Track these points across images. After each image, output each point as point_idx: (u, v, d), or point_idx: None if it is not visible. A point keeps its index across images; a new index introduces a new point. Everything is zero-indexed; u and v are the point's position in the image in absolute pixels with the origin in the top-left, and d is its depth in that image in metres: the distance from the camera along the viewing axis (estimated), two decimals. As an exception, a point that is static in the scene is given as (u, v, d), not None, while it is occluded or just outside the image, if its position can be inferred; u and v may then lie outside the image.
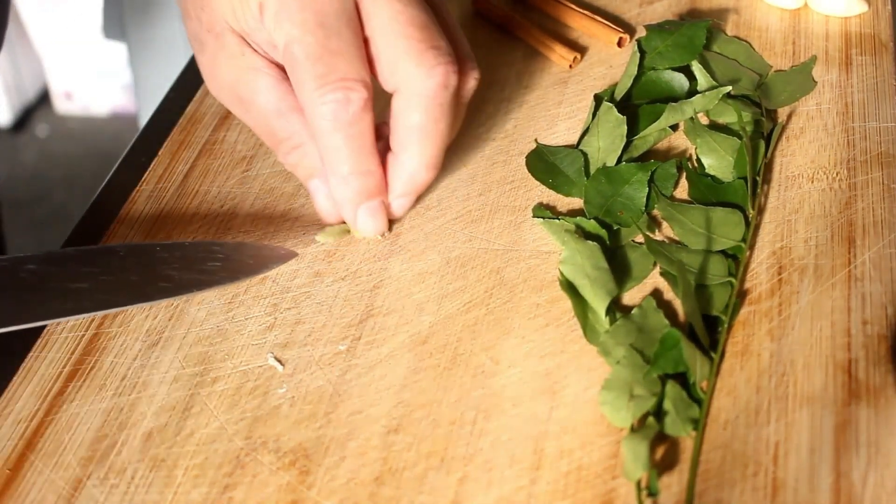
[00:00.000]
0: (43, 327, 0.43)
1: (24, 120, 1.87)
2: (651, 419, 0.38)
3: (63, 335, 0.43)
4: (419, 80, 0.42)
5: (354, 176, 0.43)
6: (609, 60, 0.55)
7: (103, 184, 0.51)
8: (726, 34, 0.55)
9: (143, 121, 0.68)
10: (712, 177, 0.47)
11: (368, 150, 0.43)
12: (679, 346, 0.39)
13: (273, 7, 0.41)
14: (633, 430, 0.37)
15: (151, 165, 0.51)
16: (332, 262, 0.45)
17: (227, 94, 0.45)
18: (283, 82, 0.44)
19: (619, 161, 0.48)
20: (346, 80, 0.41)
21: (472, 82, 0.45)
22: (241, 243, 0.45)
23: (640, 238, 0.45)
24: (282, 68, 0.44)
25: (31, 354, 0.42)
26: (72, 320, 0.43)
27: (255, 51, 0.44)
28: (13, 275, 0.39)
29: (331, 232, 0.46)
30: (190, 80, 0.56)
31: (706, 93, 0.49)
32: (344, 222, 0.46)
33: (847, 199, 0.46)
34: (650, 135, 0.49)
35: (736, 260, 0.43)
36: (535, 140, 0.50)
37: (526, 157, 0.49)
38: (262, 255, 0.44)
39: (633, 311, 0.41)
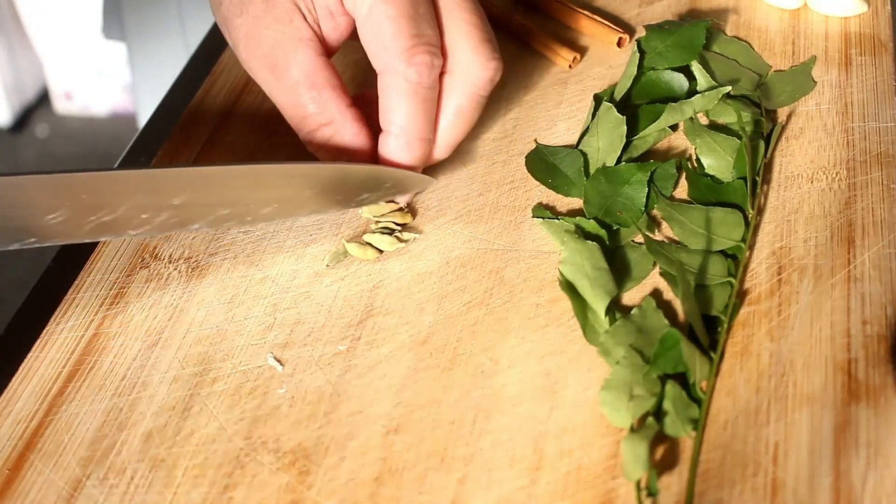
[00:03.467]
0: (43, 327, 0.43)
1: (23, 120, 1.87)
2: (651, 419, 0.38)
3: (63, 335, 0.43)
4: (475, 67, 0.44)
5: (420, 142, 0.44)
6: (609, 60, 0.55)
7: (103, 184, 0.51)
8: (726, 34, 0.55)
9: (143, 121, 0.68)
10: (712, 177, 0.47)
11: (433, 118, 0.45)
12: (679, 347, 0.39)
13: None
14: (632, 430, 0.37)
15: (151, 165, 0.51)
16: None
17: (260, 60, 0.44)
18: (323, 57, 0.44)
19: (618, 161, 0.48)
20: (431, 45, 0.43)
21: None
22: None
23: (639, 238, 0.45)
24: (324, 43, 0.44)
25: (30, 354, 0.42)
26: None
27: (305, 19, 0.44)
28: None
29: (335, 255, 0.45)
30: (190, 80, 0.56)
31: (706, 93, 0.49)
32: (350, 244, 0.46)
33: (847, 199, 0.46)
34: (650, 135, 0.49)
35: (735, 260, 0.43)
36: (535, 140, 0.50)
37: (526, 157, 0.49)
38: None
39: (632, 312, 0.41)
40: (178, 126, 0.53)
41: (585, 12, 0.57)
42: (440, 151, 0.46)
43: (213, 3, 0.46)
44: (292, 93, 0.44)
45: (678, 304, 0.42)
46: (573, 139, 0.50)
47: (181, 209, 0.41)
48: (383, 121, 0.44)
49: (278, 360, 0.41)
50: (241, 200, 0.42)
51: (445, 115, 0.45)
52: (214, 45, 0.59)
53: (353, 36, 0.45)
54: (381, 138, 0.45)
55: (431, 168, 0.47)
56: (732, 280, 0.42)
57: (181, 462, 0.38)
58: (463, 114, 0.45)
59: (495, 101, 0.53)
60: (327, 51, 0.45)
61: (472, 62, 0.44)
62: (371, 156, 0.46)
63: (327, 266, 0.45)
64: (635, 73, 0.51)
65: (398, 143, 0.44)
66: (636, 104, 0.51)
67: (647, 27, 0.53)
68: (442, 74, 0.44)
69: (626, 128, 0.48)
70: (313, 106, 0.44)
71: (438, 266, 0.44)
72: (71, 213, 0.38)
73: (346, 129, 0.45)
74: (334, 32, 0.45)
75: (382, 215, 0.46)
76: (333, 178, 0.44)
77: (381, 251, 0.45)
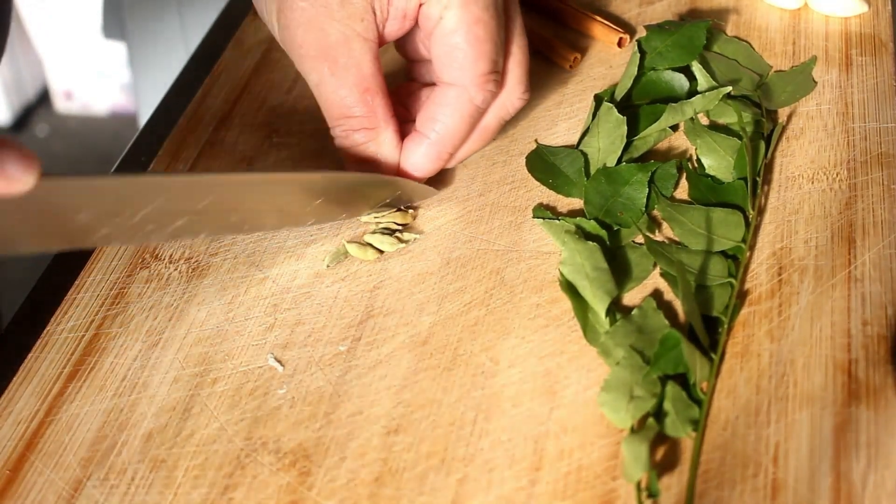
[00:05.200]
0: (43, 327, 0.43)
1: (24, 119, 1.87)
2: (651, 420, 0.38)
3: (63, 335, 0.43)
4: (513, 96, 0.46)
5: (448, 156, 0.46)
6: (609, 60, 0.55)
7: (103, 184, 0.51)
8: (726, 34, 0.55)
9: (143, 120, 0.68)
10: (712, 177, 0.47)
11: (466, 139, 0.46)
12: (679, 347, 0.39)
13: None
14: (633, 430, 0.37)
15: (151, 165, 0.51)
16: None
17: (319, 51, 0.43)
18: (378, 62, 0.44)
19: (619, 161, 0.48)
20: (500, 75, 0.45)
21: None
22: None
23: (640, 238, 0.45)
24: (380, 44, 0.44)
25: (31, 355, 0.42)
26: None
27: (375, 20, 0.43)
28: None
29: (336, 256, 0.45)
30: (190, 80, 0.56)
31: (706, 93, 0.49)
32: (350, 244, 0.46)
33: (847, 199, 0.46)
34: (650, 135, 0.49)
35: (736, 260, 0.43)
36: (535, 140, 0.50)
37: (526, 158, 0.49)
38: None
39: (633, 312, 0.41)
40: (178, 126, 0.53)
41: (586, 12, 0.57)
42: (454, 162, 0.48)
43: None
44: (344, 91, 0.44)
45: (678, 305, 0.42)
46: (573, 139, 0.50)
47: (200, 215, 0.40)
48: (424, 125, 0.45)
49: (279, 361, 0.41)
50: (249, 208, 0.42)
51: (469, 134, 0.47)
52: (214, 45, 0.59)
53: None
54: (413, 139, 0.46)
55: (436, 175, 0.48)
56: (733, 280, 0.42)
57: (181, 462, 0.38)
58: (486, 132, 0.47)
59: (495, 102, 0.53)
60: (379, 47, 0.45)
61: (512, 90, 0.46)
62: (395, 170, 0.46)
63: (328, 266, 0.45)
64: (636, 73, 0.51)
65: (430, 150, 0.45)
66: (637, 104, 0.51)
67: (648, 27, 0.53)
68: None
69: (626, 128, 0.48)
70: (362, 108, 0.44)
71: (439, 266, 0.44)
72: (90, 217, 0.37)
73: (385, 139, 0.45)
74: (395, 33, 0.45)
75: (383, 216, 0.46)
76: (345, 187, 0.44)
77: (381, 252, 0.45)
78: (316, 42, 0.43)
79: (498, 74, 0.44)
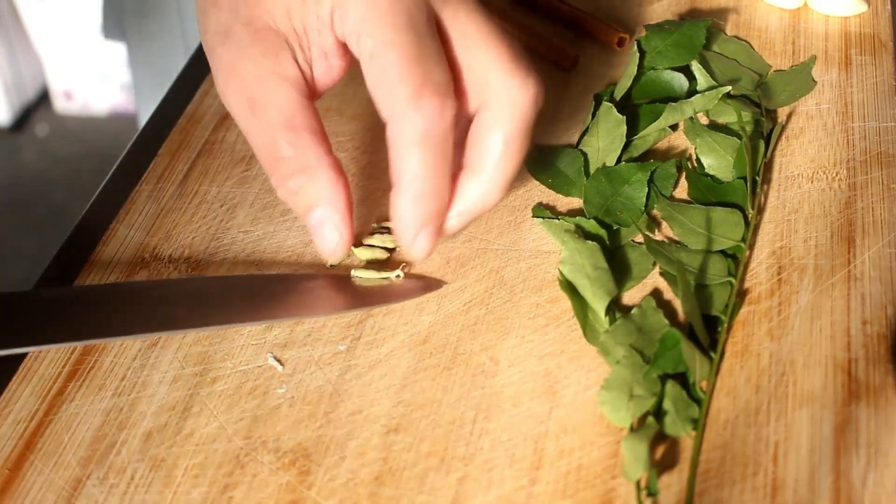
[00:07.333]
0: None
1: (23, 119, 1.87)
2: (651, 419, 0.38)
3: (63, 335, 0.43)
4: (514, 92, 0.40)
5: (430, 196, 0.40)
6: (609, 60, 0.55)
7: (103, 184, 0.51)
8: (726, 34, 0.55)
9: (143, 121, 0.68)
10: (712, 177, 0.47)
11: (447, 168, 0.40)
12: (679, 346, 0.39)
13: (357, 9, 0.39)
14: (632, 429, 0.37)
15: (151, 165, 0.51)
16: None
17: (239, 94, 0.41)
18: (306, 99, 0.41)
19: (618, 161, 0.48)
20: (441, 86, 0.39)
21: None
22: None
23: (639, 238, 0.45)
24: (311, 84, 0.41)
25: (30, 354, 0.42)
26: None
27: (294, 57, 0.41)
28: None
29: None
30: (190, 80, 0.56)
31: (706, 93, 0.49)
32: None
33: (847, 198, 0.46)
34: (650, 135, 0.49)
35: (735, 260, 0.43)
36: (535, 140, 0.50)
37: (526, 157, 0.49)
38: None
39: (632, 311, 0.41)
40: (178, 126, 0.53)
41: (586, 12, 0.57)
42: (495, 193, 0.42)
43: (200, 30, 0.43)
44: (268, 133, 0.40)
45: (678, 304, 0.42)
46: (573, 139, 0.50)
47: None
48: (394, 174, 0.40)
49: (278, 360, 0.41)
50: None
51: (492, 151, 0.41)
52: (214, 45, 0.59)
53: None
54: (392, 196, 0.41)
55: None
56: (732, 280, 0.42)
57: (181, 462, 0.38)
58: (512, 144, 0.41)
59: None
60: (313, 93, 0.42)
61: (508, 87, 0.40)
62: (345, 210, 0.42)
63: (331, 266, 0.45)
64: (635, 72, 0.51)
65: (408, 198, 0.40)
66: (636, 104, 0.51)
67: (647, 27, 0.53)
68: (479, 109, 0.41)
69: (626, 127, 0.48)
70: (289, 149, 0.40)
71: (438, 266, 0.44)
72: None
73: (321, 178, 0.41)
74: (326, 75, 0.42)
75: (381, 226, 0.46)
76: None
77: (391, 250, 0.45)
78: (234, 85, 0.41)
79: (437, 86, 0.39)
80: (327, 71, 0.42)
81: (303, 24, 0.40)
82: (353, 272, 0.44)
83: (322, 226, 0.42)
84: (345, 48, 0.41)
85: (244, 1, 0.41)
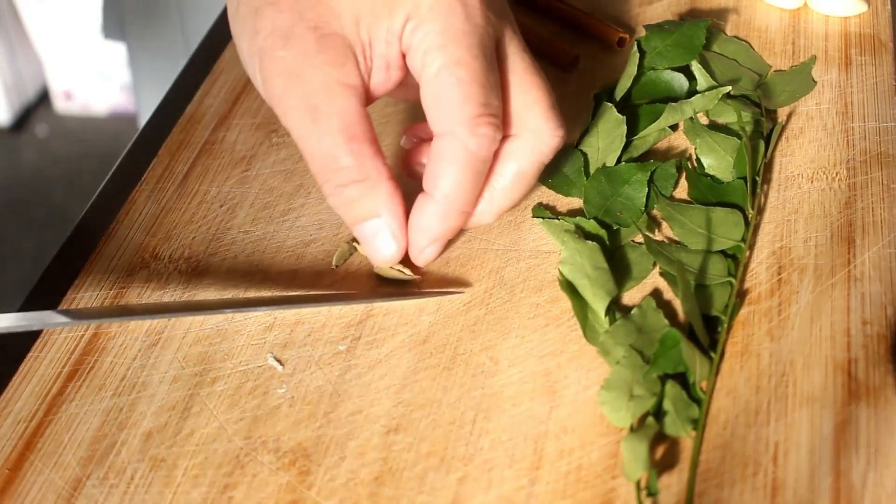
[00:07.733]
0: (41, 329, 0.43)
1: (23, 120, 1.87)
2: (651, 419, 0.38)
3: (63, 335, 0.43)
4: (546, 133, 0.43)
5: (457, 214, 0.42)
6: (609, 60, 0.55)
7: (103, 184, 0.51)
8: (726, 34, 0.55)
9: (143, 121, 0.68)
10: (712, 177, 0.47)
11: (478, 192, 0.43)
12: (679, 346, 0.39)
13: (433, 25, 0.40)
14: (632, 429, 0.37)
15: (151, 165, 0.51)
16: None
17: (299, 100, 0.40)
18: (365, 109, 0.41)
19: (618, 161, 0.48)
20: (496, 118, 0.41)
21: None
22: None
23: (639, 238, 0.45)
24: (368, 94, 0.42)
25: (30, 354, 0.42)
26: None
27: (357, 65, 0.41)
28: None
29: (341, 255, 0.45)
30: (190, 80, 0.56)
31: (706, 93, 0.49)
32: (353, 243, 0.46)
33: (846, 199, 0.46)
34: (650, 135, 0.49)
35: (735, 260, 0.43)
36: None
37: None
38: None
39: (632, 311, 0.41)
40: (178, 126, 0.53)
41: (586, 12, 0.57)
42: (491, 216, 0.44)
43: (247, 31, 0.42)
44: (328, 142, 0.40)
45: (678, 304, 0.42)
46: (573, 139, 0.50)
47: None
48: (428, 184, 0.42)
49: (278, 360, 0.41)
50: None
51: (503, 178, 0.43)
52: (214, 45, 0.59)
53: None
54: (420, 201, 0.42)
55: None
56: (732, 280, 0.42)
57: (181, 462, 0.38)
58: (522, 178, 0.43)
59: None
60: (368, 102, 0.42)
61: (541, 128, 0.43)
62: (402, 220, 0.43)
63: (336, 267, 0.45)
64: (635, 72, 0.51)
65: (436, 210, 0.42)
66: (636, 104, 0.51)
67: (647, 27, 0.53)
68: (505, 139, 0.43)
69: (626, 128, 0.48)
70: (349, 159, 0.40)
71: (439, 266, 0.44)
72: None
73: (381, 189, 0.41)
74: (383, 85, 0.42)
75: None
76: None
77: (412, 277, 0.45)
78: (296, 91, 0.40)
79: (494, 117, 0.40)
80: (385, 81, 0.42)
81: (369, 33, 0.41)
82: (375, 268, 0.44)
83: (377, 235, 0.43)
84: (405, 60, 0.42)
85: (309, 4, 0.41)
